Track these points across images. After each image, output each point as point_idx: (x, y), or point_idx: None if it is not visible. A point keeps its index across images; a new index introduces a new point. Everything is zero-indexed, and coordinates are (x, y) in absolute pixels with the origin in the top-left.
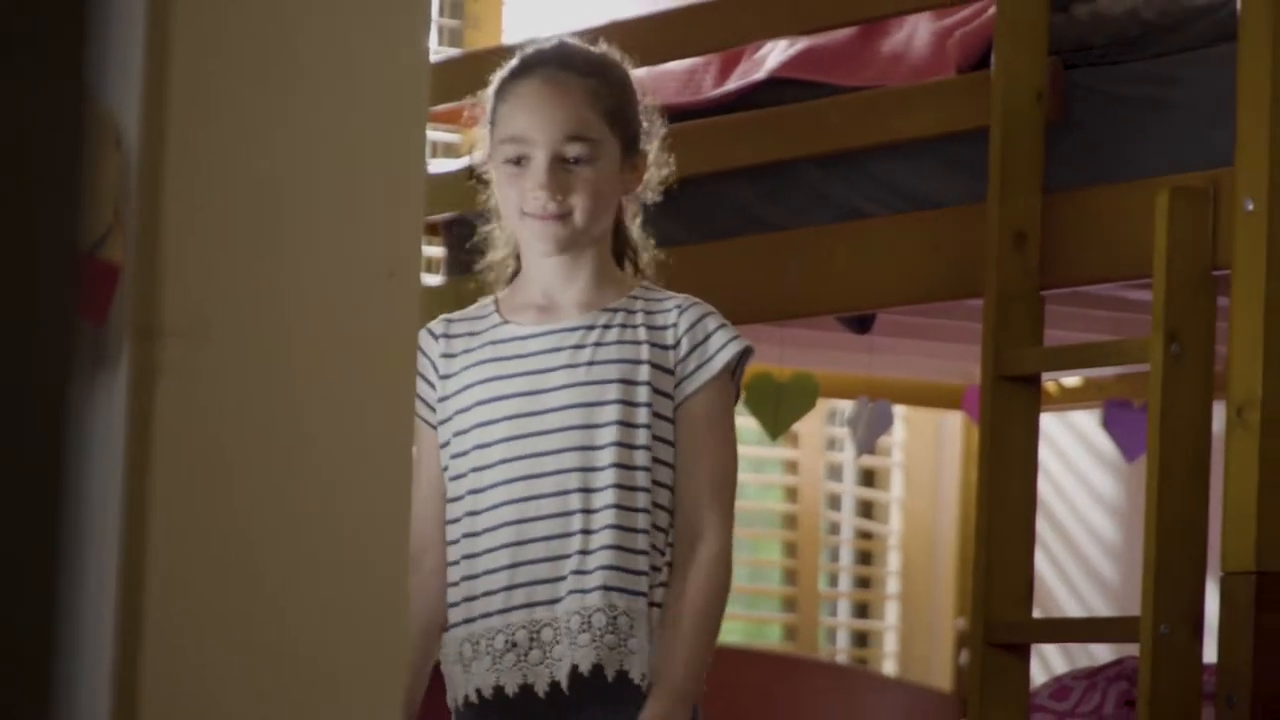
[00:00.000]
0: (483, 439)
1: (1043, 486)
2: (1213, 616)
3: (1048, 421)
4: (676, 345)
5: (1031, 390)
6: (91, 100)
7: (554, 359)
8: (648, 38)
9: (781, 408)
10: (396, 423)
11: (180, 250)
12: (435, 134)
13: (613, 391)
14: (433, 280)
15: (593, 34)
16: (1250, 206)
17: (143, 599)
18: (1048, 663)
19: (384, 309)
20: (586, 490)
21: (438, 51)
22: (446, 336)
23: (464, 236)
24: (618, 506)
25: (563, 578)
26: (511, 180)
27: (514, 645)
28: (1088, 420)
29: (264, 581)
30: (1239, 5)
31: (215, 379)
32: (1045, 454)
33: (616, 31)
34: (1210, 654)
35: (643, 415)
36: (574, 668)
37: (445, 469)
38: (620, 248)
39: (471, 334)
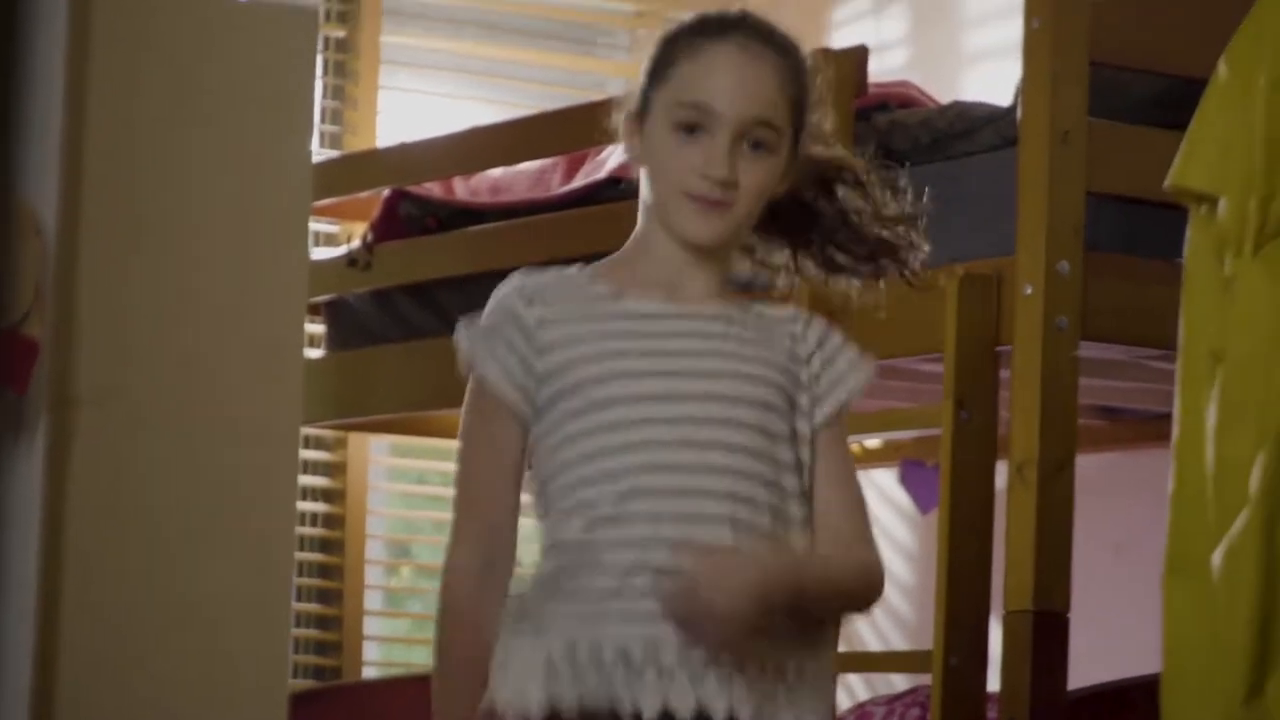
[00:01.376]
0: (615, 419)
1: None
2: (996, 650)
3: None
4: (809, 360)
5: None
6: (14, 195)
7: (692, 344)
8: (504, 142)
9: None
10: (280, 478)
11: (93, 328)
12: (317, 225)
13: (758, 392)
14: (314, 354)
15: (458, 138)
16: (1028, 291)
17: (58, 637)
18: (853, 690)
19: (271, 380)
20: (736, 499)
21: (319, 153)
22: (542, 302)
23: (342, 316)
24: (764, 531)
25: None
26: (678, 150)
27: (627, 660)
28: (887, 477)
29: (165, 611)
30: (1019, 115)
31: (122, 442)
32: None
33: (478, 136)
34: (994, 683)
35: (779, 426)
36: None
37: (557, 448)
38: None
39: (569, 301)
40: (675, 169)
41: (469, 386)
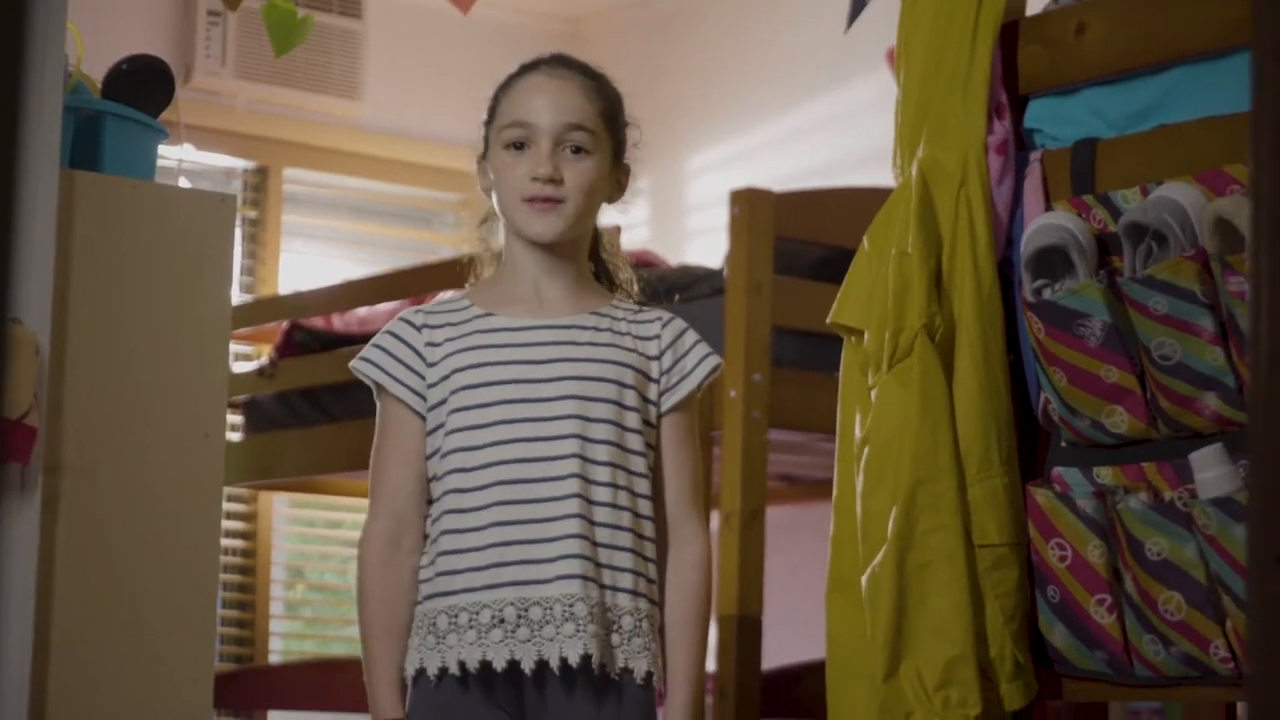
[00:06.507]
0: (476, 421)
1: None
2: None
3: None
4: (660, 356)
5: None
6: (20, 327)
7: (549, 351)
8: (368, 290)
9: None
10: (209, 523)
11: (75, 420)
12: (236, 347)
13: (606, 390)
14: (234, 437)
15: (336, 287)
16: (733, 394)
17: (50, 636)
18: None
19: (201, 455)
20: (584, 479)
21: (238, 297)
22: (428, 327)
23: (254, 411)
24: (611, 505)
25: (552, 560)
26: (511, 166)
27: (501, 621)
28: None
29: (125, 616)
30: (725, 274)
31: (96, 499)
32: None
33: (350, 286)
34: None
35: (632, 419)
36: (564, 659)
37: (436, 451)
38: (598, 264)
39: (450, 324)
40: (511, 180)
41: (379, 408)
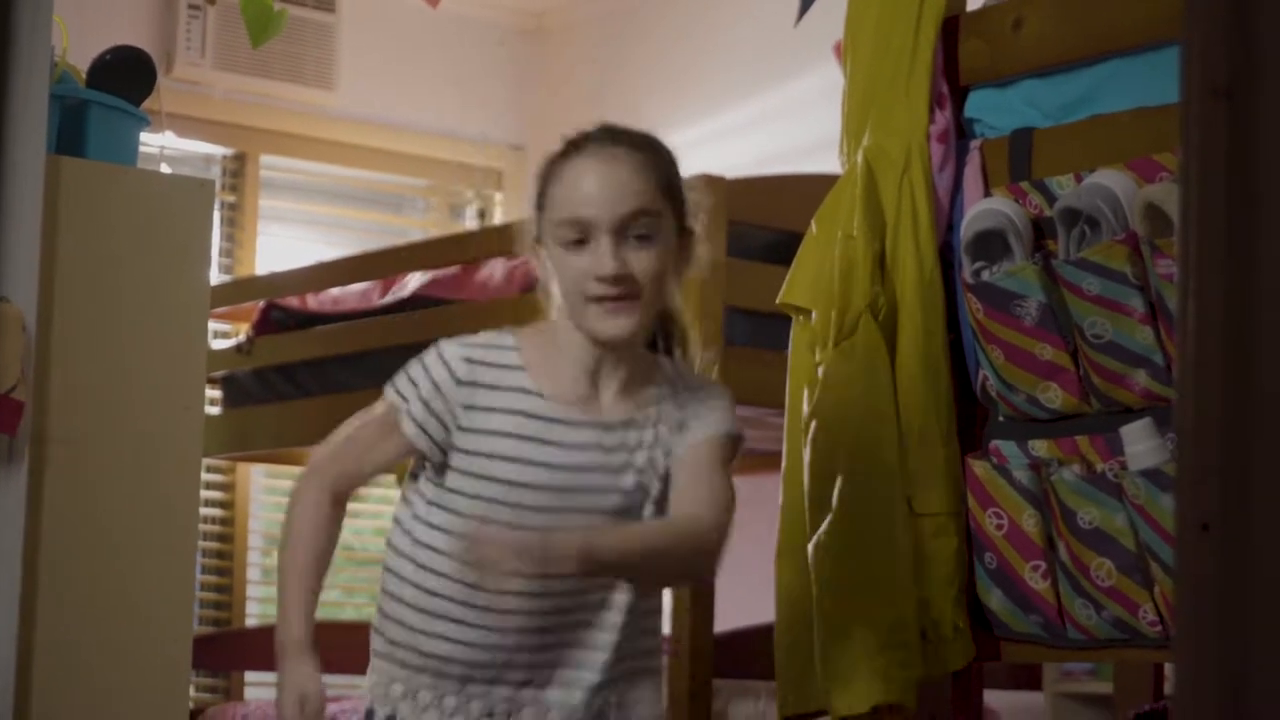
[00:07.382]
0: (501, 515)
1: None
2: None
3: None
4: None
5: None
6: (9, 305)
7: (589, 457)
8: (340, 271)
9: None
10: (189, 492)
11: (60, 392)
12: (215, 325)
13: (634, 509)
14: (213, 411)
15: (309, 267)
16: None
17: (36, 594)
18: None
19: (181, 428)
20: (598, 606)
21: (216, 278)
22: (470, 384)
23: (232, 386)
24: (624, 615)
25: (555, 668)
26: (571, 263)
27: (490, 715)
28: None
29: (108, 579)
30: None
31: (79, 468)
32: None
33: (323, 267)
34: (666, 629)
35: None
36: None
37: (444, 499)
38: (666, 328)
39: (496, 388)
40: (573, 276)
41: (385, 408)
